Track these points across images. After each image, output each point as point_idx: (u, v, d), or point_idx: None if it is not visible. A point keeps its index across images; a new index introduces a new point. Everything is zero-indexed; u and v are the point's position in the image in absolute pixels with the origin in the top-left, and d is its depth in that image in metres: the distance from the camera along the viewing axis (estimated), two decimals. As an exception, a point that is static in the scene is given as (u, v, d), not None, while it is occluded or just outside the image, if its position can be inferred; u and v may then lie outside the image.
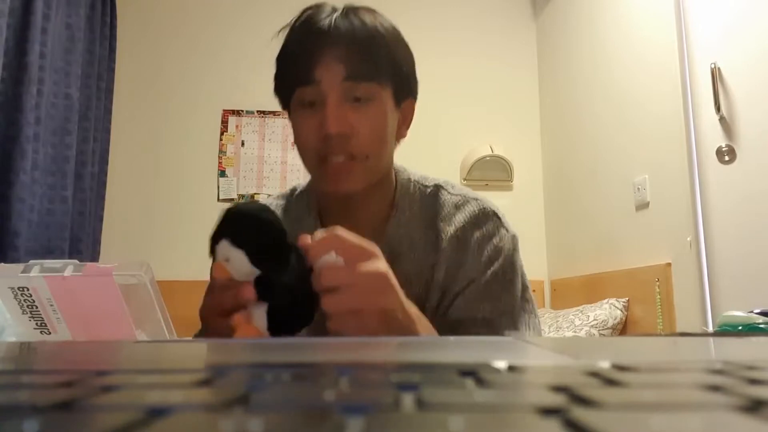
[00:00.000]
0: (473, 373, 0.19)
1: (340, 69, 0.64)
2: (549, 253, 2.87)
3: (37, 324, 0.62)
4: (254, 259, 0.49)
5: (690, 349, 0.33)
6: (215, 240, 0.51)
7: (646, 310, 2.03)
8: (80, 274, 0.59)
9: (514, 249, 0.74)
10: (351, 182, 0.68)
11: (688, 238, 1.83)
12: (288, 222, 0.66)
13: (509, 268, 0.72)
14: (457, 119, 2.93)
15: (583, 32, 2.62)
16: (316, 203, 0.80)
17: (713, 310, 1.73)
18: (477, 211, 0.74)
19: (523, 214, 2.71)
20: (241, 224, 0.50)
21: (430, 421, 0.12)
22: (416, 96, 0.75)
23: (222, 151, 2.79)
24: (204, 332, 0.68)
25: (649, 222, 2.09)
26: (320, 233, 0.51)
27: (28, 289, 0.60)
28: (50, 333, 0.62)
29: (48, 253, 2.13)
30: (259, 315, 0.50)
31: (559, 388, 0.15)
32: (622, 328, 2.10)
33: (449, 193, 0.77)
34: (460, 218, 0.74)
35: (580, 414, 0.12)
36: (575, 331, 2.09)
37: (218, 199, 2.72)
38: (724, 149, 1.74)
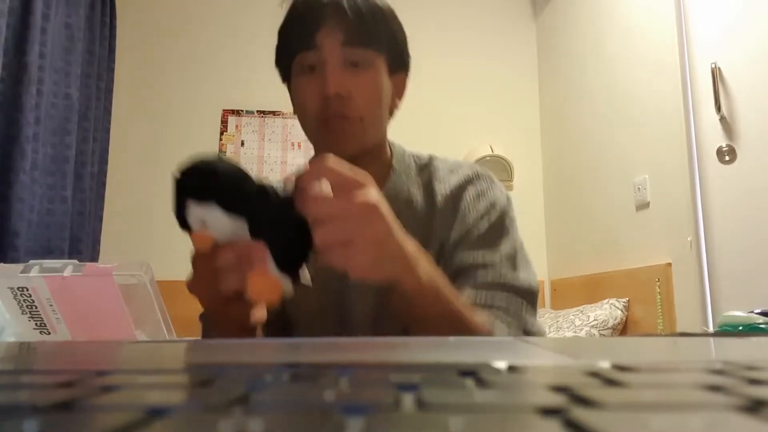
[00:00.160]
0: (473, 374, 0.19)
1: (339, 35, 0.68)
2: (549, 253, 2.87)
3: (36, 324, 0.62)
4: (230, 207, 0.45)
5: (690, 349, 0.33)
6: (180, 208, 0.46)
7: (647, 310, 2.03)
8: (80, 274, 0.59)
9: (509, 205, 0.77)
10: (348, 142, 0.70)
11: (689, 238, 1.83)
12: None
13: (506, 219, 0.75)
14: (457, 119, 2.93)
15: (583, 32, 2.62)
16: None
17: (714, 310, 1.73)
18: (470, 173, 0.78)
19: (523, 214, 2.69)
20: (200, 178, 0.45)
21: (430, 421, 0.12)
22: (408, 70, 0.79)
23: (222, 151, 2.79)
24: (207, 320, 0.67)
25: (649, 222, 2.09)
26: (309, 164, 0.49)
27: (27, 289, 0.60)
28: (50, 333, 0.62)
29: (48, 253, 2.13)
30: (267, 262, 0.46)
31: (559, 389, 0.15)
32: (623, 329, 2.10)
33: (443, 161, 0.81)
34: (454, 179, 0.77)
35: (581, 414, 0.12)
36: (575, 331, 2.09)
37: (218, 199, 2.72)
38: (724, 149, 1.74)
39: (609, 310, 2.11)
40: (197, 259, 0.50)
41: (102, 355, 0.33)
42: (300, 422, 0.12)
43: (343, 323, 0.74)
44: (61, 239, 2.20)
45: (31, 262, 0.60)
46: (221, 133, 2.80)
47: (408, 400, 0.14)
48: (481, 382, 0.17)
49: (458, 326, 0.57)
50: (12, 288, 0.60)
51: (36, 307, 0.61)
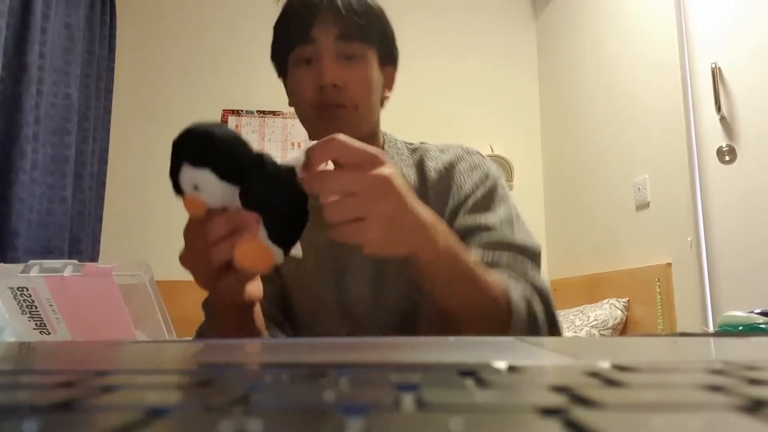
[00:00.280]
0: (473, 374, 0.19)
1: (333, 30, 0.73)
2: (549, 253, 2.87)
3: (36, 324, 0.62)
4: (224, 173, 0.44)
5: (690, 350, 0.33)
6: (175, 171, 0.46)
7: (647, 310, 2.03)
8: (80, 275, 0.59)
9: (501, 177, 0.80)
10: (344, 129, 0.73)
11: (689, 238, 1.83)
12: None
13: (499, 188, 0.78)
14: (457, 119, 2.93)
15: (583, 32, 2.62)
16: None
17: (714, 310, 1.73)
18: (461, 151, 0.82)
19: (523, 214, 2.71)
20: (196, 142, 0.45)
21: (430, 421, 0.12)
22: (397, 65, 0.83)
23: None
24: (207, 304, 0.67)
25: (649, 222, 2.09)
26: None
27: (27, 289, 0.60)
28: (50, 333, 0.62)
29: (47, 253, 2.13)
30: (259, 231, 0.46)
31: (559, 389, 0.15)
32: (623, 329, 2.10)
33: (433, 144, 0.85)
34: (446, 157, 0.81)
35: (581, 414, 0.12)
36: (576, 332, 2.09)
37: (218, 199, 2.72)
38: (724, 149, 1.74)
39: (609, 310, 2.11)
40: (189, 229, 0.49)
41: (102, 355, 0.33)
42: (300, 422, 0.12)
43: (342, 304, 0.75)
44: (61, 239, 2.20)
45: (31, 262, 0.60)
46: (221, 133, 2.80)
47: (408, 400, 0.14)
48: (481, 382, 0.17)
49: (476, 288, 0.58)
50: (12, 288, 0.60)
51: (36, 307, 0.61)
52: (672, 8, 1.96)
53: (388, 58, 0.80)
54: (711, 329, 1.62)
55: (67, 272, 0.59)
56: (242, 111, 2.84)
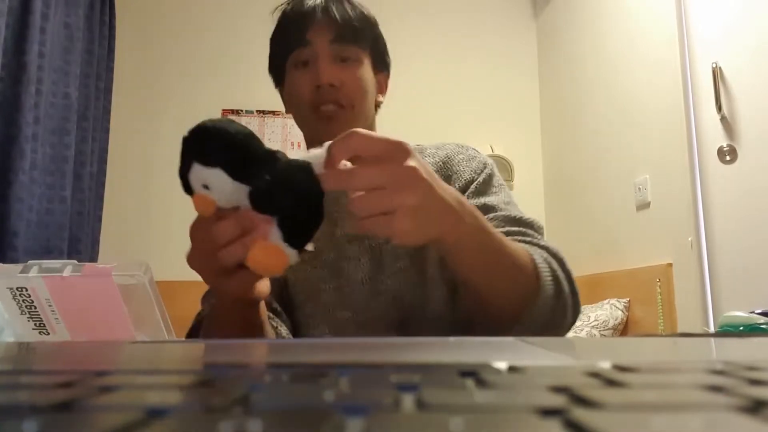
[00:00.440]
0: (473, 374, 0.19)
1: (328, 34, 0.76)
2: (549, 253, 2.87)
3: (35, 324, 0.62)
4: (235, 173, 0.43)
5: (691, 350, 0.33)
6: (185, 169, 0.44)
7: (647, 310, 2.03)
8: (79, 275, 0.59)
9: (496, 169, 0.82)
10: (339, 128, 0.74)
11: (689, 238, 1.83)
12: None
13: (497, 177, 0.80)
14: (457, 119, 2.94)
15: (583, 32, 2.62)
16: None
17: (714, 310, 1.73)
18: (455, 146, 0.85)
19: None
20: (208, 140, 0.43)
21: (431, 421, 0.12)
22: (389, 72, 0.86)
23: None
24: (208, 299, 0.66)
25: (650, 222, 2.09)
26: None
27: (26, 290, 0.60)
28: (49, 333, 0.62)
29: (47, 253, 2.13)
30: (272, 232, 0.44)
31: (559, 389, 0.15)
32: (623, 329, 2.10)
33: (429, 144, 0.87)
34: (442, 152, 0.83)
35: (581, 415, 0.12)
36: (576, 332, 2.09)
37: (218, 199, 2.72)
38: (725, 149, 1.74)
39: (609, 311, 2.11)
40: (197, 229, 0.48)
41: (101, 355, 0.32)
42: (300, 422, 0.12)
43: (340, 293, 0.75)
44: (60, 239, 2.20)
45: (30, 262, 0.60)
46: (221, 133, 2.80)
47: (408, 400, 0.14)
48: (481, 383, 0.17)
49: (504, 256, 0.57)
50: (11, 288, 0.60)
51: (35, 308, 0.61)
52: (672, 8, 1.96)
53: (381, 64, 0.84)
54: (712, 329, 1.62)
55: (67, 272, 0.59)
56: (242, 111, 2.84)
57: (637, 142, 2.16)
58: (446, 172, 0.80)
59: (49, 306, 0.60)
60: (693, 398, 0.15)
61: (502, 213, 0.72)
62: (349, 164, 0.47)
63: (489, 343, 0.34)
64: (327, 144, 0.46)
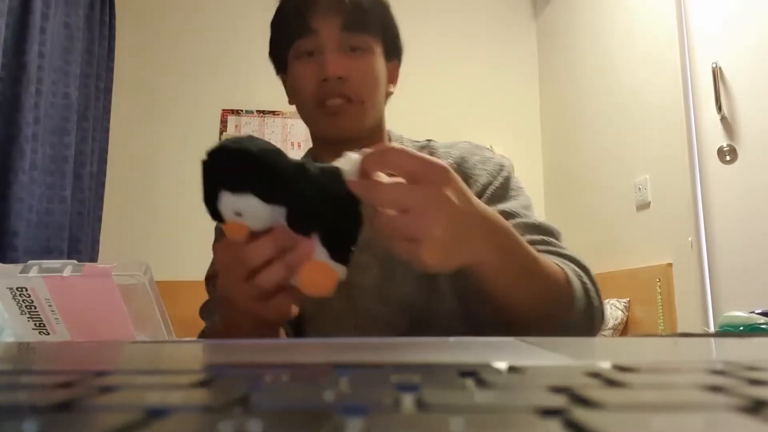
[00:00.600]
0: (474, 374, 0.19)
1: (336, 20, 0.69)
2: (549, 253, 2.87)
3: (35, 324, 0.62)
4: (268, 197, 0.40)
5: (691, 350, 0.33)
6: (212, 198, 0.41)
7: (647, 310, 2.03)
8: (79, 275, 0.59)
9: (512, 168, 0.79)
10: (347, 124, 0.70)
11: (690, 238, 1.83)
12: None
13: (514, 179, 0.76)
14: (457, 119, 2.94)
15: (583, 32, 2.62)
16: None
17: (714, 310, 1.73)
18: (469, 146, 0.80)
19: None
20: (233, 165, 0.40)
21: (431, 421, 0.12)
22: (401, 59, 0.80)
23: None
24: (227, 318, 0.62)
25: (650, 222, 2.09)
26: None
27: (26, 290, 0.60)
28: (49, 333, 0.62)
29: (47, 253, 2.13)
30: (317, 250, 0.42)
31: (559, 389, 0.15)
32: (623, 329, 2.10)
33: (440, 142, 0.82)
34: (455, 152, 0.78)
35: (581, 415, 0.12)
36: (575, 331, 2.08)
37: (218, 199, 2.72)
38: (725, 149, 1.74)
39: (610, 311, 2.11)
40: (226, 252, 0.45)
41: (101, 356, 0.32)
42: (300, 422, 0.12)
43: (349, 302, 0.72)
44: (60, 239, 2.20)
45: (30, 262, 0.60)
46: (221, 133, 2.80)
47: (408, 400, 0.14)
48: (481, 383, 0.17)
49: (538, 274, 0.54)
50: (11, 288, 0.60)
51: (35, 308, 0.61)
52: (672, 8, 1.96)
53: (393, 51, 0.76)
54: (712, 329, 1.62)
55: (67, 272, 0.59)
56: (242, 111, 2.84)
57: (637, 142, 2.16)
58: (461, 175, 0.75)
59: (49, 306, 0.60)
60: (693, 398, 0.15)
61: (522, 220, 0.68)
62: (384, 176, 0.43)
63: (489, 343, 0.34)
64: (359, 153, 0.43)
